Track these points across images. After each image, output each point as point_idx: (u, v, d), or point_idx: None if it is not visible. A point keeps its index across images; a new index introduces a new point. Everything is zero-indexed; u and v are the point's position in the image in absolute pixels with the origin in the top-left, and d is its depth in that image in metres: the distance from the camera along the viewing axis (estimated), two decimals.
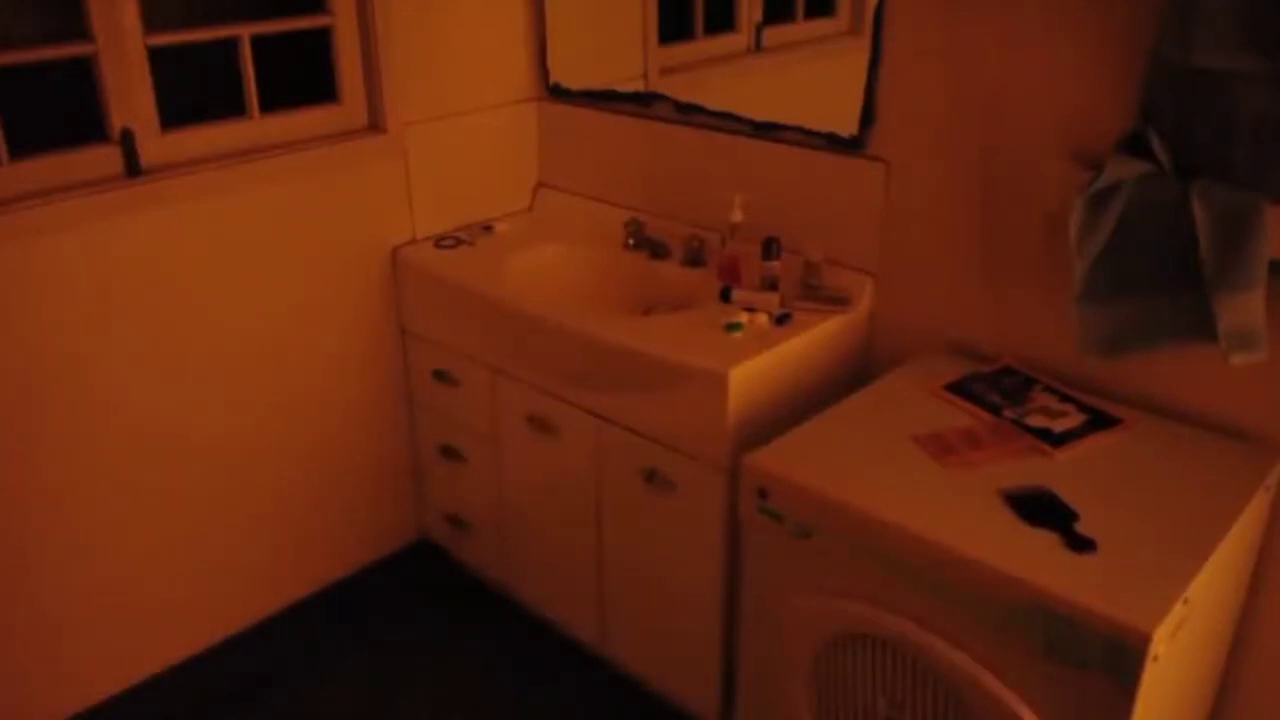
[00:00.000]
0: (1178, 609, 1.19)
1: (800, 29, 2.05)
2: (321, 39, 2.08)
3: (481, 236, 2.31)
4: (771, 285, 1.89)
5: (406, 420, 2.39)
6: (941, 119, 1.74)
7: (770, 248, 1.88)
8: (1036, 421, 1.57)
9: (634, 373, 1.78)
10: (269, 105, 2.02)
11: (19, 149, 1.72)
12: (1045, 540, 1.31)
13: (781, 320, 1.82)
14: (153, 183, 1.84)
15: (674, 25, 2.19)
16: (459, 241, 2.28)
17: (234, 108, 1.99)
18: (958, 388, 1.68)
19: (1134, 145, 1.46)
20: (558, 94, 2.39)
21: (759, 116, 2.02)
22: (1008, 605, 1.25)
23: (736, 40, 2.13)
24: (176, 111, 1.90)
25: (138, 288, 1.87)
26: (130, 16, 1.79)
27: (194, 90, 2.00)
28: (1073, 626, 1.19)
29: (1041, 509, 1.36)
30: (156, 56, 1.84)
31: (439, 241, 2.28)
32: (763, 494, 1.50)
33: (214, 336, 2.00)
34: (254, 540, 2.19)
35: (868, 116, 1.84)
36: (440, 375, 2.24)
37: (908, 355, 1.85)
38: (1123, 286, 1.48)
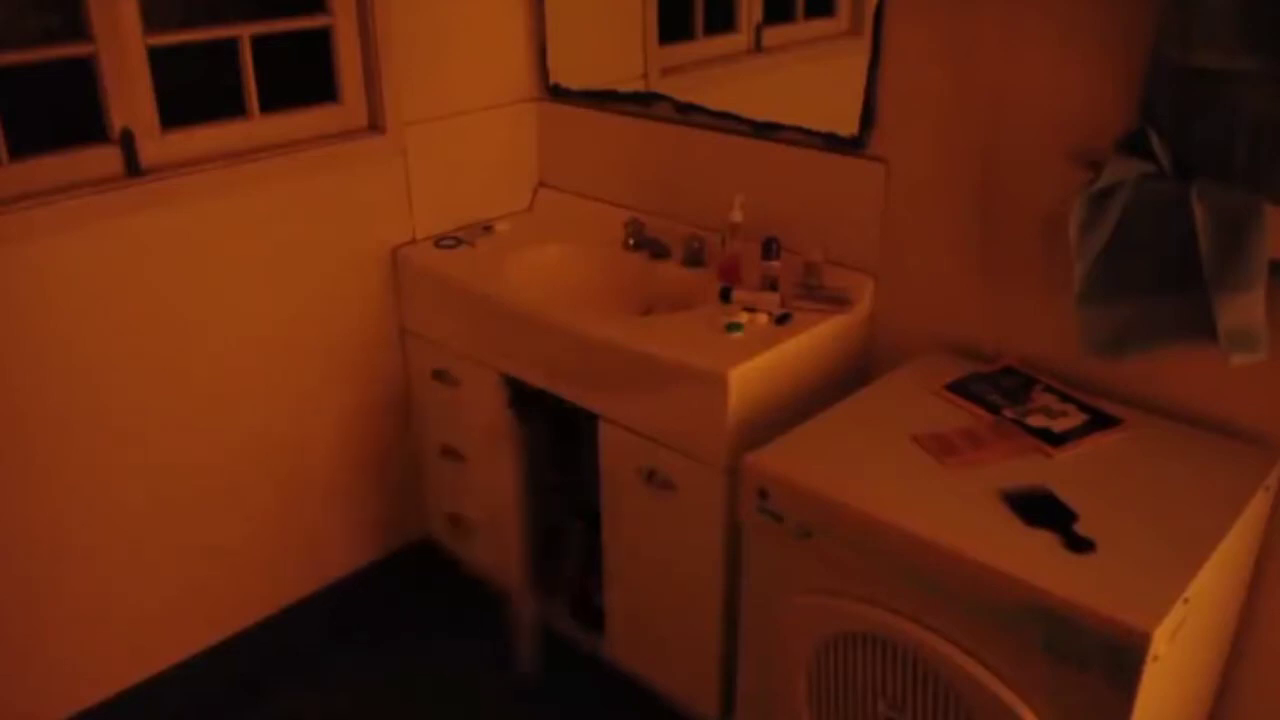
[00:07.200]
0: (1178, 609, 1.19)
1: (800, 29, 2.05)
2: (321, 39, 2.08)
3: (481, 236, 2.31)
4: (771, 285, 1.89)
5: (406, 420, 2.39)
6: (941, 119, 1.74)
7: (770, 248, 1.88)
8: (1037, 421, 1.57)
9: (634, 373, 1.77)
10: (269, 105, 2.02)
11: (19, 149, 1.72)
12: (1045, 540, 1.31)
13: (781, 320, 1.82)
14: (153, 183, 1.84)
15: (674, 25, 2.19)
16: (459, 241, 2.28)
17: (234, 108, 1.99)
18: (958, 387, 1.68)
19: (1134, 145, 1.46)
20: (558, 94, 2.39)
21: (759, 116, 2.02)
22: (1008, 605, 1.25)
23: (736, 40, 2.13)
24: (176, 112, 1.89)
25: (137, 287, 1.87)
26: (130, 16, 1.78)
27: (194, 90, 1.99)
28: (1072, 626, 1.19)
29: (1041, 509, 1.36)
30: (156, 56, 1.84)
31: (439, 241, 2.28)
32: (763, 494, 1.50)
33: (213, 336, 2.00)
34: (254, 540, 2.18)
35: (868, 116, 1.84)
36: (440, 375, 2.24)
37: (908, 355, 1.85)
38: (1123, 287, 1.48)
